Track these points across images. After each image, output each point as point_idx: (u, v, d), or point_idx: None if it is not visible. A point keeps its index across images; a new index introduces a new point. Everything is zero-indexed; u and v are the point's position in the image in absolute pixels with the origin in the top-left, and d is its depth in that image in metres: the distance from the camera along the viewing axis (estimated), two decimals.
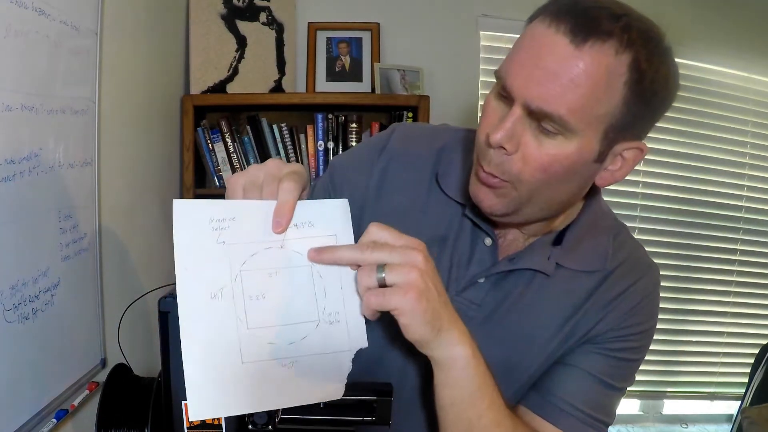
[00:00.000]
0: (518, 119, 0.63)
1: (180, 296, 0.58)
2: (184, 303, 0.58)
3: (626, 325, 0.76)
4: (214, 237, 0.61)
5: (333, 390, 0.62)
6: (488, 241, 0.78)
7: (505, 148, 0.65)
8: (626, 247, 0.80)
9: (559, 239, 0.77)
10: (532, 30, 0.64)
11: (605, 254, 0.78)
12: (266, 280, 0.62)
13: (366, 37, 2.15)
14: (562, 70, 0.60)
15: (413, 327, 0.59)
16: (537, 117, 0.63)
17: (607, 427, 0.77)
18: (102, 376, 1.26)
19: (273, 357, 0.60)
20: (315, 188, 0.87)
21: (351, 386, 0.63)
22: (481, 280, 0.78)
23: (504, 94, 0.66)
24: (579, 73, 0.60)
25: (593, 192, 0.78)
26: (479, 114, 0.78)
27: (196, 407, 0.57)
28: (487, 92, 0.71)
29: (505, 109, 0.66)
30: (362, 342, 0.63)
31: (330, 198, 0.83)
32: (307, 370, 0.61)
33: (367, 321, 0.62)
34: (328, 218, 0.65)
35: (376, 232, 0.60)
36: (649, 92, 0.62)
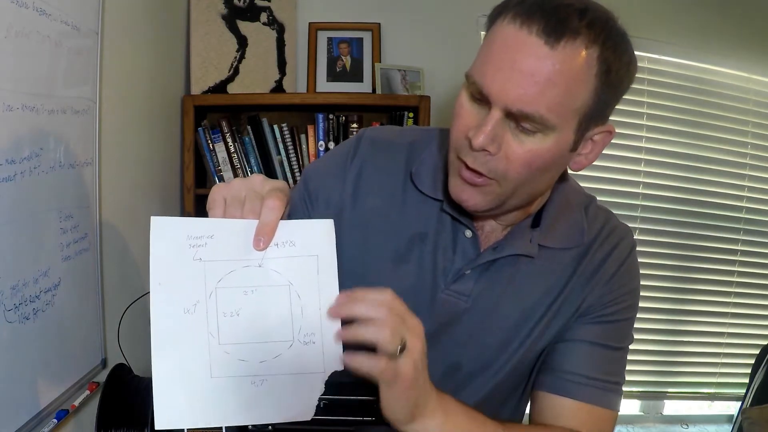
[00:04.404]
0: (498, 122, 0.65)
1: (153, 310, 0.60)
2: (156, 317, 0.60)
3: (612, 290, 0.81)
4: (190, 254, 0.62)
5: (302, 411, 0.62)
6: (468, 233, 0.80)
7: (488, 150, 0.66)
8: (599, 218, 0.84)
9: (536, 221, 0.80)
10: (503, 32, 0.64)
11: (581, 229, 0.81)
12: (242, 297, 0.62)
13: (367, 37, 2.15)
14: (539, 71, 0.62)
15: (393, 406, 0.63)
16: (516, 118, 0.64)
17: (621, 386, 0.82)
18: (102, 376, 1.26)
19: (243, 374, 0.61)
20: (292, 199, 0.88)
21: (351, 386, 0.63)
22: (468, 272, 0.80)
23: (479, 97, 0.67)
24: (555, 73, 0.62)
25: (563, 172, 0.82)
26: None
27: (162, 416, 0.59)
28: None
29: (481, 110, 0.67)
30: (337, 365, 0.63)
31: (307, 207, 0.84)
32: (277, 390, 0.62)
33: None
34: (311, 238, 0.65)
35: (384, 294, 0.62)
36: (616, 80, 0.66)
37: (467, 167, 0.69)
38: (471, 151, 0.68)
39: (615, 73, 0.65)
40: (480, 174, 0.69)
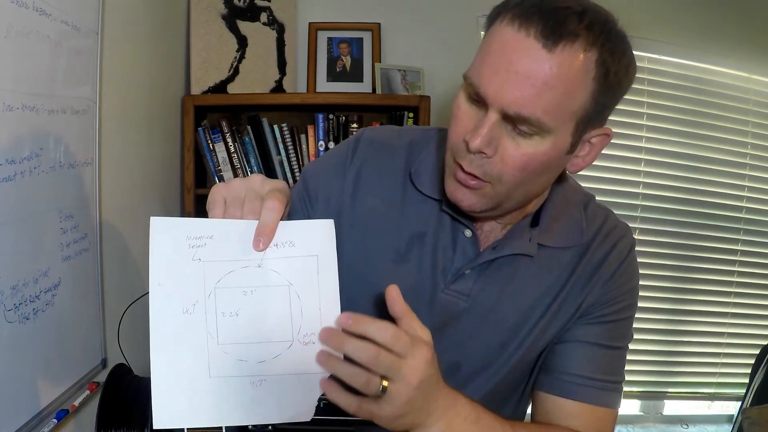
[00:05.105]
0: (494, 124, 0.65)
1: (152, 309, 0.60)
2: (155, 316, 0.60)
3: (612, 288, 0.81)
4: (190, 254, 0.62)
5: (302, 411, 0.62)
6: (468, 232, 0.80)
7: (484, 152, 0.66)
8: (597, 217, 0.84)
9: (535, 220, 0.80)
10: (501, 33, 0.64)
11: (580, 229, 0.82)
12: (241, 298, 0.62)
13: (367, 37, 2.15)
14: (537, 74, 0.61)
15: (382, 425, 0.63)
16: (513, 120, 0.64)
17: (621, 384, 0.83)
18: (102, 377, 1.26)
19: (242, 374, 0.61)
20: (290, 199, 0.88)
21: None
22: (468, 272, 0.80)
23: (476, 98, 0.67)
24: (553, 76, 0.61)
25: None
26: None
27: (161, 416, 0.59)
28: None
29: (479, 112, 0.67)
30: None
31: (306, 207, 0.84)
32: (276, 390, 0.62)
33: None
34: (310, 238, 0.65)
35: (385, 333, 0.59)
36: (614, 83, 0.65)
37: (462, 170, 0.69)
38: (467, 154, 0.68)
39: (614, 75, 0.64)
40: (474, 177, 0.69)
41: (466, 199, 0.72)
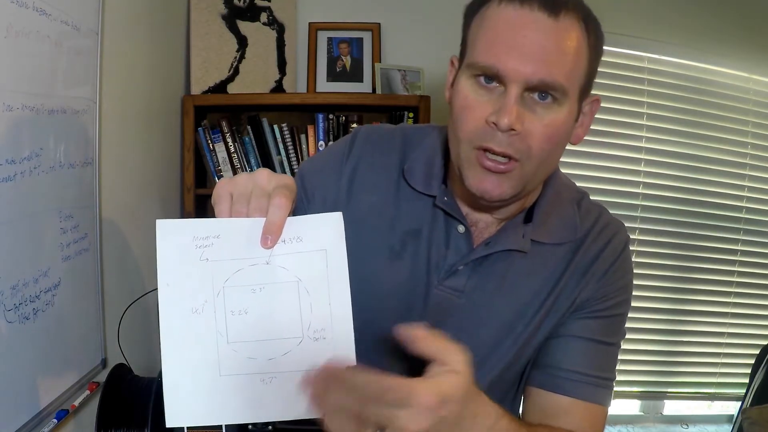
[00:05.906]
0: (517, 98, 0.67)
1: (162, 310, 0.60)
2: (165, 317, 0.60)
3: (606, 285, 0.81)
4: (197, 254, 0.61)
5: (313, 408, 0.62)
6: (461, 228, 0.80)
7: (514, 129, 0.67)
8: (591, 213, 0.85)
9: (528, 217, 0.81)
10: (504, 14, 0.67)
11: (573, 224, 0.82)
12: (250, 295, 0.62)
13: (367, 37, 2.15)
14: (551, 42, 0.65)
15: None
16: (537, 89, 0.67)
17: (612, 383, 0.83)
18: (102, 377, 1.26)
19: (252, 371, 0.61)
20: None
21: None
22: (461, 268, 0.80)
23: (490, 81, 0.68)
24: (562, 43, 0.66)
25: None
26: None
27: (172, 414, 0.59)
28: None
29: (492, 94, 0.69)
30: (350, 360, 0.62)
31: (303, 205, 0.84)
32: (287, 387, 0.61)
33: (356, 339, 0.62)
34: (319, 233, 0.64)
35: (374, 388, 0.53)
36: (599, 50, 0.71)
37: (491, 153, 0.69)
38: (495, 135, 0.68)
39: (600, 45, 0.69)
40: (506, 156, 0.69)
41: (495, 187, 0.71)
